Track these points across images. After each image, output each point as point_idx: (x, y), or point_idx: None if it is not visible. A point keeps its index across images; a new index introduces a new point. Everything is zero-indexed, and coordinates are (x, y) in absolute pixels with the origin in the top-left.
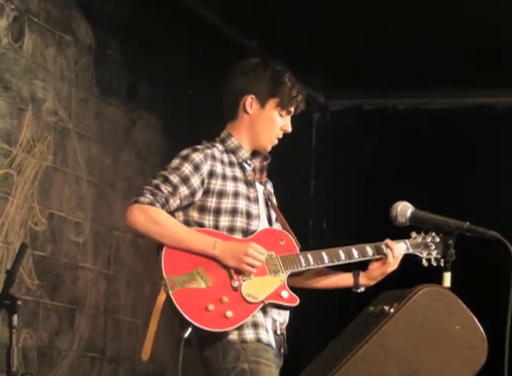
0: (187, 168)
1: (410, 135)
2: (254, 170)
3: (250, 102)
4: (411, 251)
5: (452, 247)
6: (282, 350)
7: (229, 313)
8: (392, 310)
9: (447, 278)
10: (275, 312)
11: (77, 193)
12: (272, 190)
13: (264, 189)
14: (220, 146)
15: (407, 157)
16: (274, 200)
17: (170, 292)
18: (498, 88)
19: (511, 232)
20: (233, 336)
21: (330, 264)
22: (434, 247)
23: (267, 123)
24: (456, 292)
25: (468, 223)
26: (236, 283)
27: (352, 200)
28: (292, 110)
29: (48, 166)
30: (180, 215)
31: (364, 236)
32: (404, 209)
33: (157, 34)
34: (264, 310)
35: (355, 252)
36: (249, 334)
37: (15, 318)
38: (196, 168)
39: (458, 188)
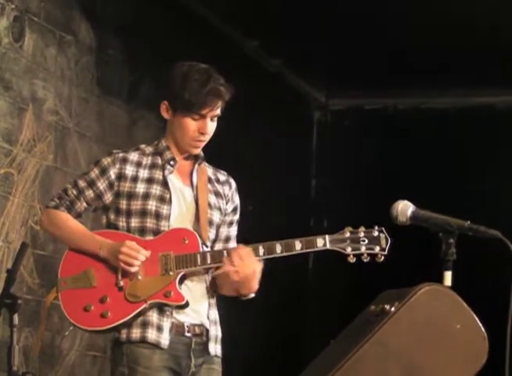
0: (94, 172)
1: (411, 135)
2: (196, 171)
3: (164, 108)
4: (328, 246)
5: (453, 246)
6: (195, 350)
7: (107, 313)
8: (393, 309)
9: (448, 277)
10: (178, 313)
11: None
12: (221, 191)
13: (192, 189)
14: (149, 149)
15: (407, 156)
16: (215, 201)
17: (58, 293)
18: (498, 87)
19: (511, 232)
20: (123, 335)
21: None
22: (366, 241)
23: (179, 128)
24: (457, 291)
25: (469, 222)
26: (121, 283)
27: (353, 199)
28: (203, 112)
29: (49, 165)
30: (103, 217)
31: None
32: (404, 208)
33: (158, 33)
34: (160, 310)
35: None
36: (136, 333)
37: (16, 317)
38: (103, 171)
39: (458, 187)
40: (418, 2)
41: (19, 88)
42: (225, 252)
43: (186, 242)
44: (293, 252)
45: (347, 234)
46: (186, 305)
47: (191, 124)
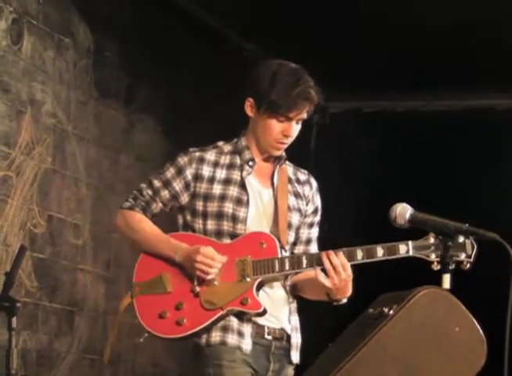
0: (170, 172)
1: (409, 138)
2: (277, 173)
3: (248, 105)
4: (411, 253)
5: (451, 249)
6: (274, 354)
7: (183, 320)
8: (391, 312)
9: (446, 280)
10: (259, 318)
11: (76, 195)
12: (301, 192)
13: (273, 191)
14: (228, 147)
15: (406, 159)
16: (295, 202)
17: (133, 298)
18: (498, 89)
19: (511, 234)
20: (202, 340)
21: (310, 269)
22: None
23: (263, 127)
24: (456, 294)
25: (467, 225)
26: (197, 289)
27: (352, 202)
28: (291, 115)
29: (47, 168)
30: (179, 217)
31: (365, 237)
32: (403, 211)
33: (156, 36)
34: (239, 315)
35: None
36: (215, 336)
37: (14, 320)
38: (179, 171)
39: (458, 190)
40: (417, 4)
41: (18, 90)
42: (303, 258)
43: (264, 246)
44: (375, 259)
45: (432, 240)
46: (264, 312)
47: (276, 125)
